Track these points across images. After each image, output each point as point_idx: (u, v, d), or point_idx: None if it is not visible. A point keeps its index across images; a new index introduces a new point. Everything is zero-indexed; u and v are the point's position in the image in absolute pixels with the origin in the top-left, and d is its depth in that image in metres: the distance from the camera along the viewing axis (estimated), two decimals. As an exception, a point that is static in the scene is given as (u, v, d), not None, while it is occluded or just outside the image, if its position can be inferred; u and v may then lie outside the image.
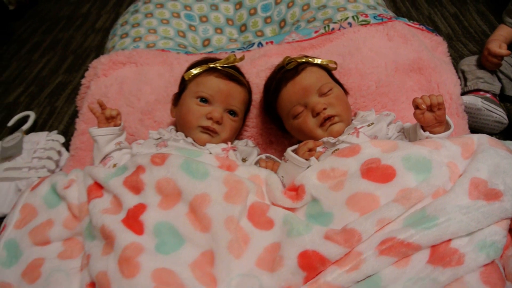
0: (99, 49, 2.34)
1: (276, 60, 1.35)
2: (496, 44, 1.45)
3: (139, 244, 0.89)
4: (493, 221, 0.82)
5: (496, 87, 1.48)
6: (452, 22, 2.03)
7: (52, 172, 1.54)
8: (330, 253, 0.82)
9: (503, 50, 1.43)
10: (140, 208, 0.96)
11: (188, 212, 0.94)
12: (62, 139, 1.64)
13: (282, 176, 1.05)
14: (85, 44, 2.45)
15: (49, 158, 1.56)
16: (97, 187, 1.06)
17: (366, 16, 1.48)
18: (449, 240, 0.81)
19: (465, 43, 1.88)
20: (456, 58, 1.74)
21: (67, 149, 1.60)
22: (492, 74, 1.52)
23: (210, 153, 1.10)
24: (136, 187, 1.00)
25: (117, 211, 1.00)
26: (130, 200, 0.98)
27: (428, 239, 0.80)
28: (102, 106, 1.20)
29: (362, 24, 1.46)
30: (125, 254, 0.87)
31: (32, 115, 1.83)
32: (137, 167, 1.03)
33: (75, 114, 1.80)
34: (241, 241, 0.90)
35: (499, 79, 1.53)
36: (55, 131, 1.69)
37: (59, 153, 1.60)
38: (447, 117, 1.05)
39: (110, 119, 1.20)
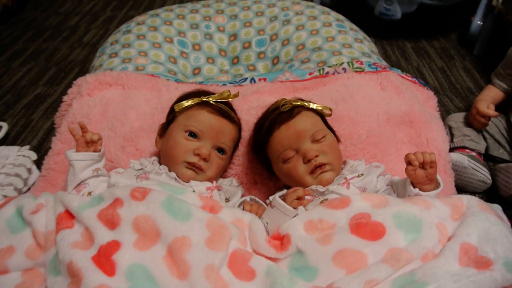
0: (84, 64, 2.29)
1: (268, 98, 1.33)
2: (485, 104, 1.47)
3: (109, 287, 0.82)
4: (483, 292, 0.80)
5: (481, 146, 1.50)
6: (440, 76, 2.08)
7: (19, 190, 1.45)
8: (314, 314, 0.78)
9: (491, 111, 1.45)
10: (114, 246, 0.90)
11: (165, 255, 0.88)
12: (34, 155, 1.55)
13: (267, 223, 1.01)
14: (70, 57, 2.39)
15: (17, 175, 1.47)
16: (68, 216, 0.99)
17: (361, 63, 1.48)
18: (438, 310, 0.78)
19: (451, 98, 1.91)
20: (442, 112, 1.76)
21: (38, 167, 1.52)
22: (478, 133, 1.53)
23: (194, 191, 1.04)
24: (111, 222, 0.94)
25: (88, 246, 0.93)
26: (104, 235, 0.92)
27: (418, 308, 0.77)
28: (83, 128, 1.14)
29: (356, 71, 1.46)
30: (92, 297, 0.80)
31: (4, 126, 1.74)
32: (114, 200, 0.97)
33: (51, 130, 1.74)
34: (220, 291, 0.84)
35: (484, 138, 1.55)
36: (28, 146, 1.60)
37: (29, 170, 1.52)
38: (437, 176, 1.04)
39: (90, 144, 1.13)
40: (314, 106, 1.14)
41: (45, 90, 2.09)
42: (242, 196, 1.19)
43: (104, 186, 1.12)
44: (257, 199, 1.12)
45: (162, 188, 1.00)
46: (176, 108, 1.13)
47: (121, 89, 1.44)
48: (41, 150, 1.66)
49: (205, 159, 1.07)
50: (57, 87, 2.10)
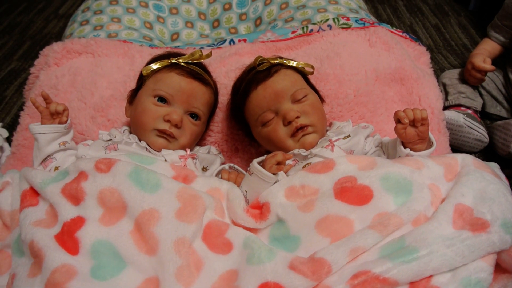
0: (61, 36, 2.16)
1: (248, 60, 1.23)
2: (481, 58, 1.38)
3: (72, 266, 0.77)
4: (479, 256, 0.74)
5: (478, 103, 1.41)
6: (433, 33, 1.97)
7: (-10, 169, 1.38)
8: (295, 286, 0.72)
9: (488, 65, 1.36)
10: (78, 222, 0.83)
11: (132, 229, 0.81)
12: (5, 133, 1.47)
13: (246, 191, 0.93)
14: (45, 30, 2.27)
15: (-12, 153, 1.39)
16: (33, 193, 0.92)
17: (348, 19, 1.38)
18: (430, 276, 0.72)
19: (446, 55, 1.81)
20: (436, 70, 1.67)
21: (11, 145, 1.43)
22: (474, 89, 1.44)
23: (166, 160, 0.96)
24: (75, 197, 0.86)
25: (52, 223, 0.86)
26: (68, 211, 0.85)
27: (407, 275, 0.71)
28: (46, 99, 1.05)
29: (342, 27, 1.36)
30: (53, 278, 0.75)
31: (-25, 104, 1.65)
32: (79, 173, 0.90)
33: (25, 106, 1.64)
34: (192, 267, 0.77)
35: (481, 95, 1.46)
36: (0, 124, 1.52)
37: (1, 148, 1.43)
38: (430, 134, 0.96)
39: (55, 115, 1.05)
40: (294, 63, 1.05)
41: (19, 65, 1.99)
42: (223, 164, 1.11)
43: (73, 160, 1.03)
44: (236, 166, 1.04)
45: (130, 158, 0.92)
46: (144, 72, 1.03)
47: (91, 57, 1.34)
48: (15, 127, 1.56)
49: (176, 126, 0.99)
50: (32, 62, 1.97)
